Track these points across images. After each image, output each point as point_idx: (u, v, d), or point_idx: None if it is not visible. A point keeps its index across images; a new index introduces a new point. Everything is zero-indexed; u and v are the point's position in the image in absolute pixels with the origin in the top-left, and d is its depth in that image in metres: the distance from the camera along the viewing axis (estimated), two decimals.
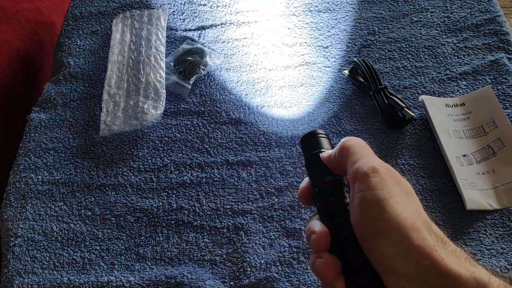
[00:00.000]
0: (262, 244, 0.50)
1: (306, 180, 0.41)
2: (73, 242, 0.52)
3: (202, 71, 0.64)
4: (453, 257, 0.28)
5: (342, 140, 0.36)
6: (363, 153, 0.34)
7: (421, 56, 0.64)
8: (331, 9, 0.71)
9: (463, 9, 0.69)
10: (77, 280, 0.48)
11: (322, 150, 0.41)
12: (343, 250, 0.33)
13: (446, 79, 0.62)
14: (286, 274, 0.48)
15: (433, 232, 0.29)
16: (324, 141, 0.42)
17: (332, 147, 0.41)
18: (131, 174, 0.56)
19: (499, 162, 0.53)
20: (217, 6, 0.73)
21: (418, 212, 0.30)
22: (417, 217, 0.30)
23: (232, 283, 0.48)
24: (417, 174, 0.54)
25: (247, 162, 0.56)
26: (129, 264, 0.50)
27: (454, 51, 0.64)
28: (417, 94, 0.61)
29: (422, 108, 0.59)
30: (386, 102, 0.57)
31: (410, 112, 0.55)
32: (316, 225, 0.34)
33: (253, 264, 0.48)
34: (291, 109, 0.61)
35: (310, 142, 0.43)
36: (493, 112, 0.56)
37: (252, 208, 0.53)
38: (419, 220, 0.29)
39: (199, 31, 0.70)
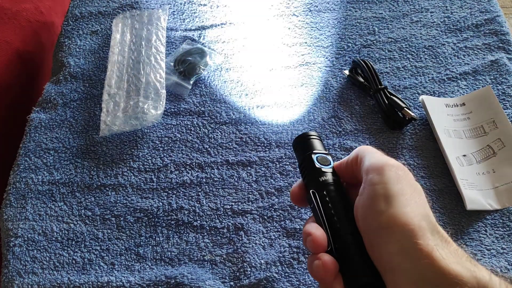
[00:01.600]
0: (262, 244, 0.50)
1: (299, 182, 0.41)
2: (73, 242, 0.52)
3: (202, 71, 0.64)
4: (454, 256, 0.28)
5: (358, 148, 0.38)
6: (379, 154, 0.35)
7: (421, 56, 0.64)
8: (331, 9, 0.71)
9: (463, 9, 0.69)
10: (77, 280, 0.48)
11: (315, 151, 0.41)
12: (341, 250, 0.33)
13: (446, 79, 0.62)
14: (286, 274, 0.48)
15: (436, 232, 0.30)
16: (317, 143, 0.43)
17: (325, 148, 0.42)
18: (131, 174, 0.56)
19: (499, 162, 0.53)
20: (217, 6, 0.73)
21: (426, 214, 0.31)
22: (423, 218, 0.30)
23: (232, 283, 0.48)
24: (417, 174, 0.54)
25: (247, 162, 0.56)
26: (129, 264, 0.50)
27: (454, 51, 0.64)
28: (417, 94, 0.61)
29: (422, 108, 0.59)
30: (386, 102, 0.57)
31: (410, 112, 0.55)
32: (312, 227, 0.35)
33: (253, 264, 0.48)
34: (291, 109, 0.61)
35: (302, 144, 0.43)
36: (493, 112, 0.56)
37: (252, 208, 0.53)
38: (425, 221, 0.30)
39: (199, 31, 0.70)
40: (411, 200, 0.31)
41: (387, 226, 0.30)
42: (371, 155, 0.35)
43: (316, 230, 0.34)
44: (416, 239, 0.28)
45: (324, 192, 0.37)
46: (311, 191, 0.38)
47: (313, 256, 0.33)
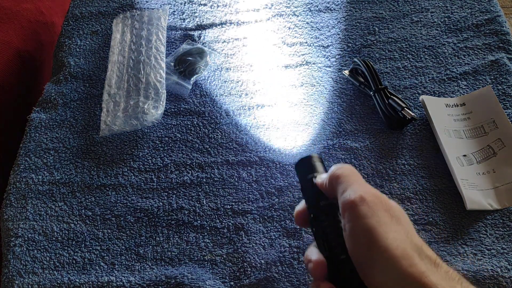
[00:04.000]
0: (263, 244, 0.50)
1: (302, 203, 0.41)
2: (74, 242, 0.52)
3: (202, 71, 0.64)
4: (446, 280, 0.29)
5: (332, 168, 0.37)
6: (351, 181, 0.35)
7: (422, 56, 0.64)
8: (332, 8, 0.71)
9: (464, 9, 0.69)
10: (78, 280, 0.48)
11: (315, 174, 0.42)
12: (340, 276, 0.34)
13: (446, 79, 0.62)
14: (287, 274, 0.48)
15: (424, 256, 0.30)
16: (318, 165, 0.44)
17: (326, 171, 0.42)
18: (132, 174, 0.56)
19: (500, 162, 0.53)
20: (217, 6, 0.73)
21: (409, 238, 0.31)
22: (407, 243, 0.30)
23: (232, 283, 0.48)
24: (417, 174, 0.54)
25: (247, 162, 0.56)
26: (130, 264, 0.50)
27: (454, 51, 0.64)
28: (417, 94, 0.61)
29: (422, 108, 0.59)
30: (387, 102, 0.57)
31: (410, 112, 0.55)
32: (313, 253, 0.35)
33: (253, 264, 0.48)
34: (291, 109, 0.61)
35: (304, 166, 0.44)
36: (493, 112, 0.56)
37: (253, 208, 0.53)
38: (409, 246, 0.30)
39: (199, 31, 0.70)
40: (391, 229, 0.31)
41: (374, 260, 0.30)
42: (344, 185, 0.35)
43: (316, 257, 0.34)
44: (404, 268, 0.29)
45: (324, 217, 0.37)
46: (311, 215, 0.39)
47: (315, 282, 0.34)
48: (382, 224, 0.31)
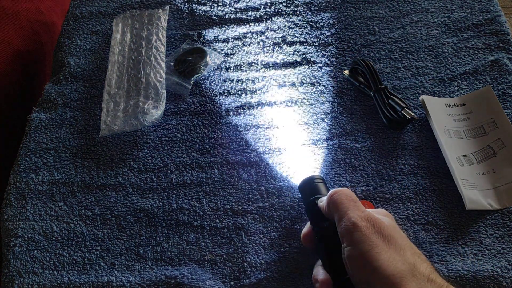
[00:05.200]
0: (263, 244, 0.50)
1: (308, 225, 0.44)
2: (74, 242, 0.52)
3: (203, 71, 0.64)
4: None
5: (329, 192, 0.40)
6: (345, 208, 0.38)
7: (422, 56, 0.64)
8: (332, 8, 0.71)
9: (464, 9, 0.69)
10: (78, 280, 0.48)
11: (318, 196, 0.43)
12: None
13: (446, 79, 0.62)
14: (287, 274, 0.48)
15: (418, 272, 0.32)
16: (321, 186, 0.45)
17: (328, 190, 0.44)
18: (131, 174, 0.56)
19: (500, 162, 0.53)
20: (217, 5, 0.73)
21: (401, 256, 0.34)
22: (399, 262, 0.33)
23: (232, 283, 0.48)
24: (417, 174, 0.54)
25: (247, 162, 0.56)
26: (130, 264, 0.50)
27: (454, 51, 0.64)
28: (417, 94, 0.61)
29: (422, 108, 0.59)
30: (386, 102, 0.57)
31: (410, 112, 0.55)
32: (319, 273, 0.39)
33: (253, 264, 0.48)
34: (291, 108, 0.61)
35: (307, 188, 0.45)
36: (493, 112, 0.56)
37: (253, 208, 0.53)
38: (401, 264, 0.33)
39: (199, 31, 0.70)
40: (383, 250, 0.33)
41: (369, 280, 0.33)
42: (340, 212, 0.37)
43: (323, 277, 0.38)
44: (397, 287, 0.31)
45: (328, 237, 0.39)
46: (316, 236, 0.40)
47: None
48: (374, 246, 0.34)
